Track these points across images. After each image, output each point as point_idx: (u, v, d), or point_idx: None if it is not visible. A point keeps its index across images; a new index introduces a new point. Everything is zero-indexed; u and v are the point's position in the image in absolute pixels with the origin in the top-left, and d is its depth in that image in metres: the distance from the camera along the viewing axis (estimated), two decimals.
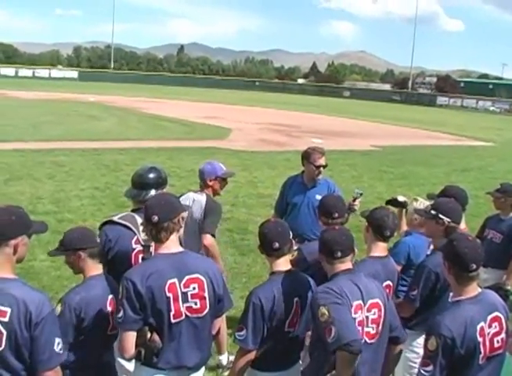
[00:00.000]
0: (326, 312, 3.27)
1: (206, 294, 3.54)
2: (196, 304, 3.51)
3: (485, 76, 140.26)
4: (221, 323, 4.03)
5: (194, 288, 3.50)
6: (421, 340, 3.72)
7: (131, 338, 3.39)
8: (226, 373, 5.61)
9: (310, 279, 3.86)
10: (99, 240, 4.07)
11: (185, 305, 3.48)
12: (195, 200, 5.64)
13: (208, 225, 5.50)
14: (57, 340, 3.07)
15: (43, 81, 61.24)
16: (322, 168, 6.23)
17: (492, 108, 63.58)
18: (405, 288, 4.44)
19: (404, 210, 5.48)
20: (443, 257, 3.48)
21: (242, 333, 3.57)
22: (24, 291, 3.04)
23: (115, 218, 4.33)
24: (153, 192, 4.37)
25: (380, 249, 4.12)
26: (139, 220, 4.17)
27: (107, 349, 3.81)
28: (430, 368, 3.24)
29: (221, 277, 3.74)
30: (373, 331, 3.46)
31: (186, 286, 3.48)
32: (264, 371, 3.73)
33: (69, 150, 18.15)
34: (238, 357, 3.65)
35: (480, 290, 3.45)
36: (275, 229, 3.76)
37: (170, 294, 3.42)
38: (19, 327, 2.96)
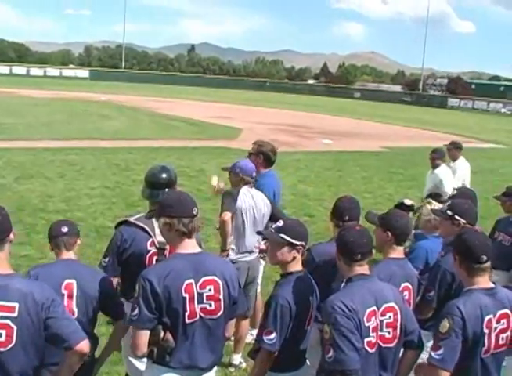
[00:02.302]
0: (329, 332, 3.23)
1: (221, 297, 3.54)
2: (210, 305, 3.51)
3: (497, 78, 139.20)
4: (233, 326, 4.01)
5: (210, 290, 3.50)
6: None
7: (144, 336, 3.39)
8: (235, 373, 5.65)
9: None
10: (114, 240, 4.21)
11: (200, 305, 3.48)
12: (256, 196, 5.69)
13: (281, 214, 5.60)
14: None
15: (54, 80, 61.41)
16: (249, 154, 6.50)
17: (503, 110, 63.08)
18: None
19: (411, 213, 5.46)
20: (453, 251, 3.49)
21: (272, 337, 3.50)
22: (28, 284, 3.17)
23: (131, 219, 4.33)
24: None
25: (398, 252, 4.10)
26: (156, 223, 4.19)
27: None
28: (441, 351, 3.24)
29: (238, 280, 3.72)
30: (388, 335, 3.39)
31: (202, 287, 3.48)
32: (279, 372, 3.69)
33: (80, 148, 18.24)
34: (264, 362, 3.58)
35: (493, 285, 3.47)
36: (305, 230, 3.76)
37: (186, 295, 3.42)
38: (31, 319, 3.04)
